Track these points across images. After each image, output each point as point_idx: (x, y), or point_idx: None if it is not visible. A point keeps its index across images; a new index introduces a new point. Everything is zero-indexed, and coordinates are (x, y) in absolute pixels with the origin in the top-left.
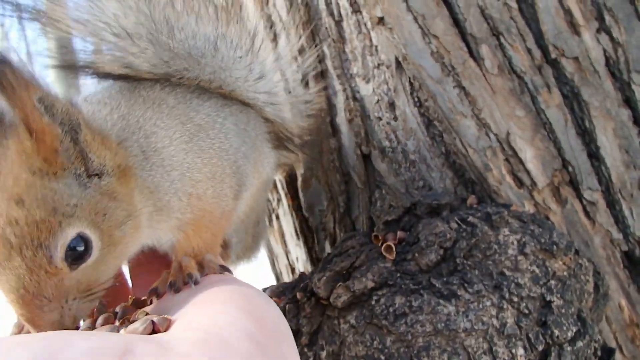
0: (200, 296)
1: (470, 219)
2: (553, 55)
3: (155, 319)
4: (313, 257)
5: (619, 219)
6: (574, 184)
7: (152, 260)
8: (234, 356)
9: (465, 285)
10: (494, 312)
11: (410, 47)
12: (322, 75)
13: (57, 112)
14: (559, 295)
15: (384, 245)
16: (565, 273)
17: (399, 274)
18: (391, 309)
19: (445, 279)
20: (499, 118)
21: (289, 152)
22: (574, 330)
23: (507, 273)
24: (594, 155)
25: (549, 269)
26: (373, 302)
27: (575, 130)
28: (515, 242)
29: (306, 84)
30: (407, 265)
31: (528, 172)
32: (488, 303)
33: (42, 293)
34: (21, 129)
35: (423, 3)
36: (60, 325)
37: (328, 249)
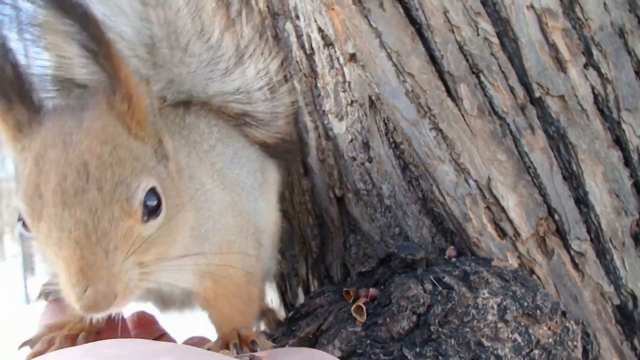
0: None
1: (447, 279)
2: (537, 94)
3: None
4: (286, 302)
5: (610, 270)
6: (561, 234)
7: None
8: None
9: (440, 357)
10: None
11: (384, 87)
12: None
13: (146, 88)
14: None
15: (355, 306)
16: (550, 340)
17: (368, 341)
18: None
19: (418, 350)
20: (479, 163)
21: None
22: None
23: (486, 343)
24: (582, 202)
25: (532, 336)
26: None
27: (562, 174)
28: (496, 307)
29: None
30: (378, 331)
31: (511, 222)
32: None
33: (111, 235)
34: (120, 91)
35: (397, 39)
36: (113, 289)
37: (301, 296)
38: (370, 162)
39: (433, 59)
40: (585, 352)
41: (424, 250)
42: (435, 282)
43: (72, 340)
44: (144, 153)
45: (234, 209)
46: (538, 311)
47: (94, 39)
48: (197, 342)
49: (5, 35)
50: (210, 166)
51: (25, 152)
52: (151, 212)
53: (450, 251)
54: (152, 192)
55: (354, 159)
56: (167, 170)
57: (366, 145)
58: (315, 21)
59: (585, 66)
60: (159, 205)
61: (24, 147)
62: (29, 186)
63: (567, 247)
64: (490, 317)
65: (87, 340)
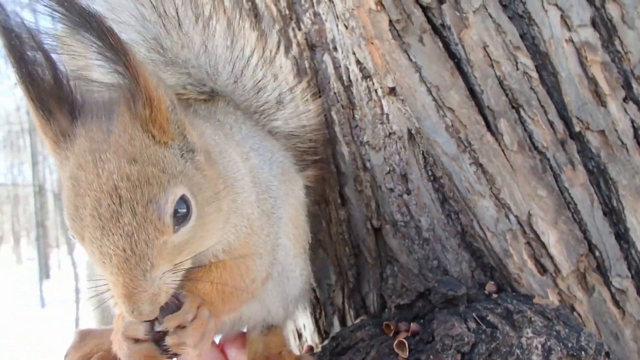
0: None
1: (490, 317)
2: (577, 129)
3: None
4: (320, 329)
5: None
6: (602, 270)
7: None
8: None
9: None
10: None
11: (424, 121)
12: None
13: (163, 87)
14: None
15: (397, 341)
16: None
17: None
18: None
19: None
20: (520, 198)
21: (310, 170)
22: None
23: None
24: (623, 238)
25: None
26: None
27: (602, 210)
28: (540, 347)
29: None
30: None
31: (551, 258)
32: None
33: (148, 255)
34: (141, 97)
35: (437, 73)
36: (156, 302)
37: (336, 325)
38: (408, 194)
39: (473, 94)
40: None
41: (465, 285)
42: (478, 321)
43: None
44: (170, 160)
45: (257, 195)
46: (583, 352)
47: (111, 48)
48: (238, 336)
49: (44, 44)
50: (234, 144)
51: (63, 168)
52: (181, 219)
53: (490, 286)
54: (181, 199)
55: (392, 190)
56: (194, 164)
57: (404, 177)
58: (354, 54)
59: (625, 100)
60: (188, 210)
61: (61, 161)
62: (70, 207)
63: (607, 284)
64: (534, 358)
65: None
